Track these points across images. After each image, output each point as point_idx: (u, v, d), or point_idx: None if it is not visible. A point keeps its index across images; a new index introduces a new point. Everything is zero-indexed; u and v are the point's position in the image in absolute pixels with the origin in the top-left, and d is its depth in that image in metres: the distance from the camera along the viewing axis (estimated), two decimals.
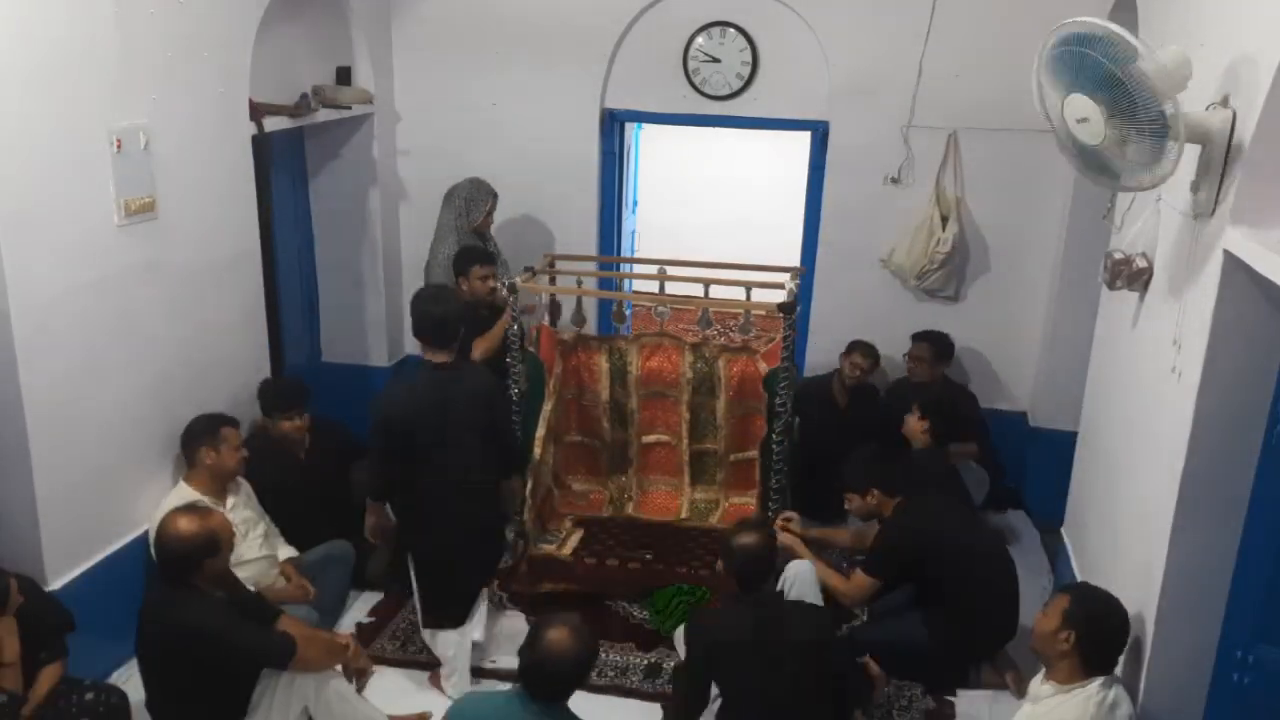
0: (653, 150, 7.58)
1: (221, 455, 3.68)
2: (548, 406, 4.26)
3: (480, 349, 4.56)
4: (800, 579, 3.64)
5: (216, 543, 2.94)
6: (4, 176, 3.01)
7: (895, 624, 3.81)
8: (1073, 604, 2.81)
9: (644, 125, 6.51)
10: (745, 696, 3.07)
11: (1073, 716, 2.74)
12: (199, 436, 3.71)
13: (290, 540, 3.97)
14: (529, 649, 2.61)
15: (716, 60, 5.11)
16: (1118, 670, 2.85)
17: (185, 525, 2.92)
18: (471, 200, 4.94)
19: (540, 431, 4.23)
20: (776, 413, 4.01)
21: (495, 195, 5.00)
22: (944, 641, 3.67)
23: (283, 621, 3.23)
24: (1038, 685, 2.93)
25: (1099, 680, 2.76)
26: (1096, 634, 2.79)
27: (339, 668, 3.31)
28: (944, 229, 4.88)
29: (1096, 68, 2.35)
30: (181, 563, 2.90)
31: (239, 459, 3.75)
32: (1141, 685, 2.81)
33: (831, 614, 3.52)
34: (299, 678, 3.07)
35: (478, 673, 3.75)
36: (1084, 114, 2.45)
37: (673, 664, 3.81)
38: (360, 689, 3.40)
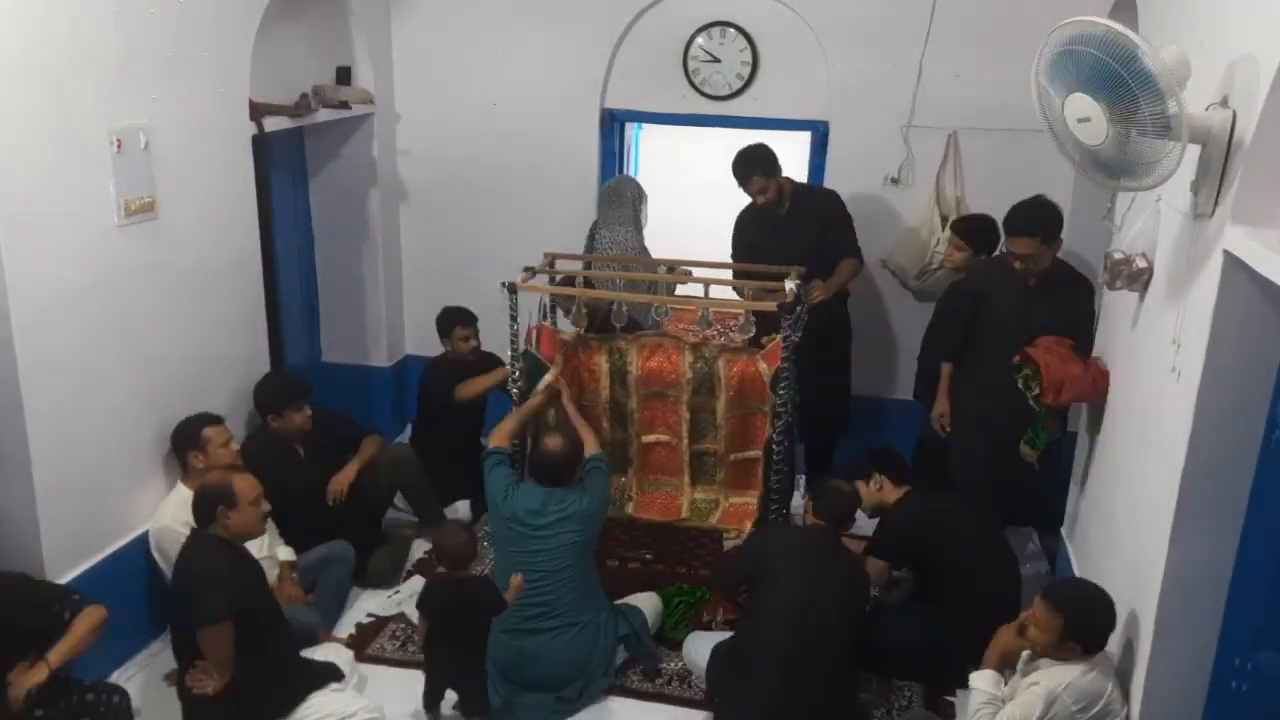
0: (653, 150, 7.56)
1: (210, 456, 3.68)
2: None
3: (469, 391, 4.64)
4: None
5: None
6: (4, 176, 3.01)
7: (895, 623, 3.81)
8: (1066, 620, 2.85)
9: (644, 125, 6.50)
10: (775, 609, 3.32)
11: (1060, 675, 2.84)
12: (182, 444, 3.73)
13: (292, 540, 3.96)
14: (535, 455, 3.75)
15: (716, 60, 5.11)
16: (1112, 652, 2.98)
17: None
18: (639, 198, 4.98)
19: None
20: (777, 413, 4.01)
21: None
22: (944, 641, 3.67)
23: None
24: (1026, 661, 3.06)
25: (1093, 657, 2.88)
26: (1095, 633, 2.89)
27: (345, 668, 3.39)
28: (944, 229, 4.87)
29: (1098, 66, 2.35)
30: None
31: (231, 453, 3.74)
32: (1139, 692, 2.81)
33: None
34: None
35: None
36: (1085, 114, 2.45)
37: (673, 664, 3.82)
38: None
